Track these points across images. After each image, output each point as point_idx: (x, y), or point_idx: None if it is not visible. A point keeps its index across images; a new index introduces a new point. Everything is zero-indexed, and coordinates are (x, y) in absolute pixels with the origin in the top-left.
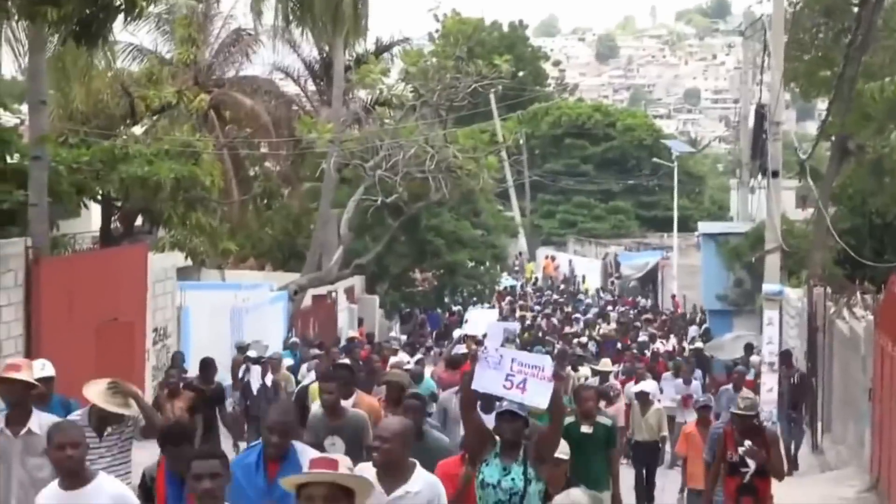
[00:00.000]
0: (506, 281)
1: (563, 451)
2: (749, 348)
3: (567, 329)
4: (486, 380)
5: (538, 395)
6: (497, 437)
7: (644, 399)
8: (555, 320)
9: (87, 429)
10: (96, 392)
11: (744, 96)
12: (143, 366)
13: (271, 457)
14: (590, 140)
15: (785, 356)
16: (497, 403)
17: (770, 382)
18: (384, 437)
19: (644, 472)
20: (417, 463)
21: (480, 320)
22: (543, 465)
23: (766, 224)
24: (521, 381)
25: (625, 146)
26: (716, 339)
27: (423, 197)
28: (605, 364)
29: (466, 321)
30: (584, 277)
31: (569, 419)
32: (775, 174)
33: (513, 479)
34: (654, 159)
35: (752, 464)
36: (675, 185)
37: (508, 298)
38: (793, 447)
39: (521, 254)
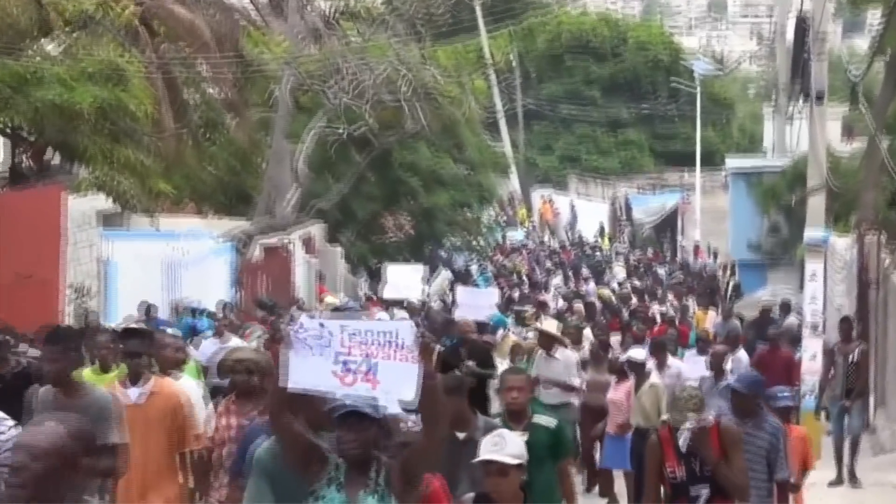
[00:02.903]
0: (514, 234)
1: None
2: (785, 308)
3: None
4: (305, 371)
5: (398, 385)
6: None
7: (637, 371)
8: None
9: None
10: None
11: (781, 5)
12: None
13: None
14: (595, 59)
15: (845, 326)
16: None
17: (813, 348)
18: (23, 465)
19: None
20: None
21: (401, 281)
22: (412, 490)
23: (807, 159)
24: (369, 367)
25: (637, 66)
26: (747, 296)
27: (396, 128)
28: (549, 325)
29: (385, 282)
30: (602, 229)
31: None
32: (819, 98)
33: None
34: (673, 82)
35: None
36: (697, 114)
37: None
38: (847, 451)
39: (512, 196)
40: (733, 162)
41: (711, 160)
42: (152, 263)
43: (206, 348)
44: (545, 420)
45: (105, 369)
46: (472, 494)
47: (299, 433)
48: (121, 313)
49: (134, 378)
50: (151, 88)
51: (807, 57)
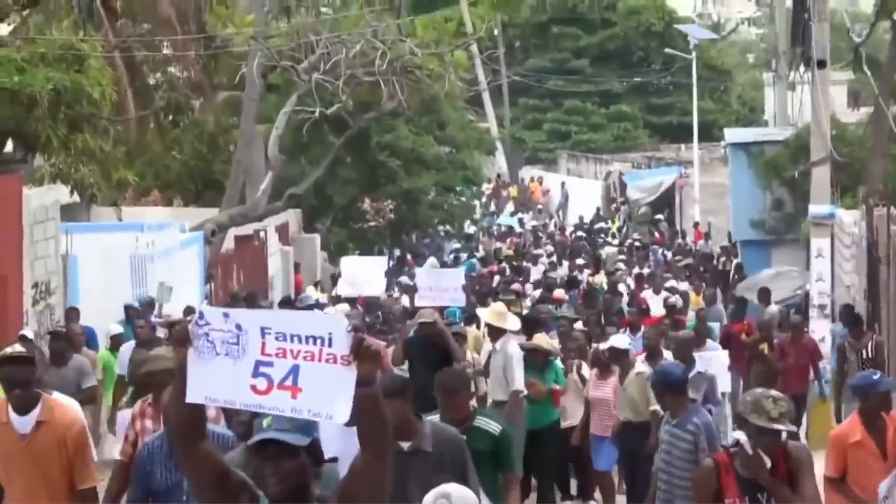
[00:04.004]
0: (506, 219)
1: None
2: (765, 294)
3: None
4: (210, 380)
5: (325, 398)
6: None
7: (620, 360)
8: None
9: None
10: None
11: None
12: (20, 331)
13: None
14: (584, 28)
15: (849, 316)
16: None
17: (821, 330)
18: None
19: (631, 468)
20: None
21: (360, 275)
22: None
23: (811, 129)
24: (288, 371)
25: (629, 34)
26: (751, 277)
27: (373, 106)
28: (495, 314)
29: (340, 277)
30: (599, 210)
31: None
32: (821, 64)
33: None
34: (667, 50)
35: None
36: (693, 83)
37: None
38: None
39: (499, 176)
40: (733, 134)
41: (709, 132)
42: (117, 257)
43: (125, 356)
44: (489, 424)
45: None
46: None
47: (214, 463)
48: (84, 311)
49: (20, 410)
50: (111, 70)
51: (807, 19)
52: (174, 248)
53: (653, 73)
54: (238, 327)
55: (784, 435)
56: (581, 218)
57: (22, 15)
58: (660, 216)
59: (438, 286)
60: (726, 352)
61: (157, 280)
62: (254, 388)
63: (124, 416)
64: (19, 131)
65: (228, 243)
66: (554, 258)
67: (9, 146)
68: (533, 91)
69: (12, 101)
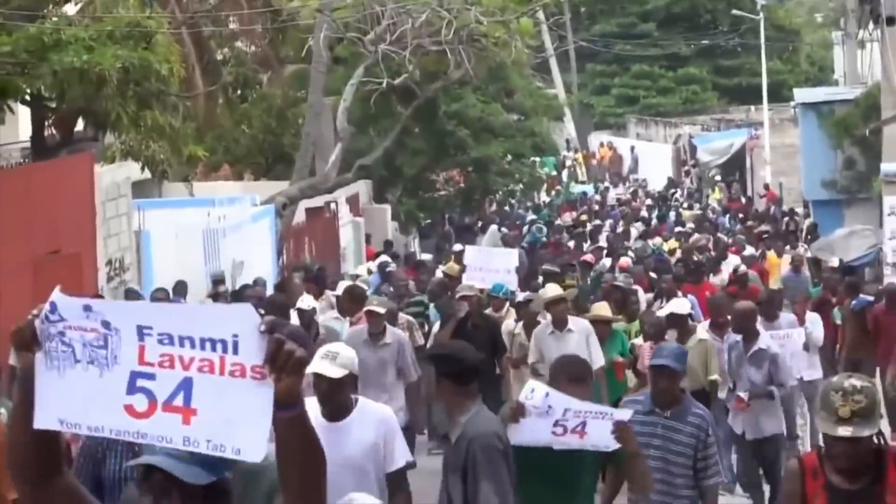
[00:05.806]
0: (578, 187)
1: None
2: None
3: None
4: (68, 398)
5: (229, 425)
6: None
7: (679, 325)
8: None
9: None
10: None
11: None
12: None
13: None
14: None
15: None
16: None
17: None
18: None
19: None
20: None
21: (489, 265)
22: None
23: (881, 86)
24: (178, 386)
25: None
26: (824, 237)
27: (440, 76)
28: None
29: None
30: (672, 178)
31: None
32: (891, 21)
33: None
34: (734, 11)
35: None
36: (762, 44)
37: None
38: None
39: (568, 142)
40: (802, 94)
41: (779, 93)
42: (190, 233)
43: None
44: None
45: None
46: None
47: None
48: (157, 286)
49: None
50: (178, 46)
51: None
52: (245, 222)
53: (720, 34)
54: (106, 325)
55: (876, 440)
56: (673, 181)
57: None
58: (718, 177)
59: (489, 267)
60: (801, 330)
61: (229, 254)
62: (130, 408)
63: None
64: (89, 110)
65: (299, 216)
66: (632, 227)
67: (79, 125)
68: (600, 56)
69: (82, 80)
